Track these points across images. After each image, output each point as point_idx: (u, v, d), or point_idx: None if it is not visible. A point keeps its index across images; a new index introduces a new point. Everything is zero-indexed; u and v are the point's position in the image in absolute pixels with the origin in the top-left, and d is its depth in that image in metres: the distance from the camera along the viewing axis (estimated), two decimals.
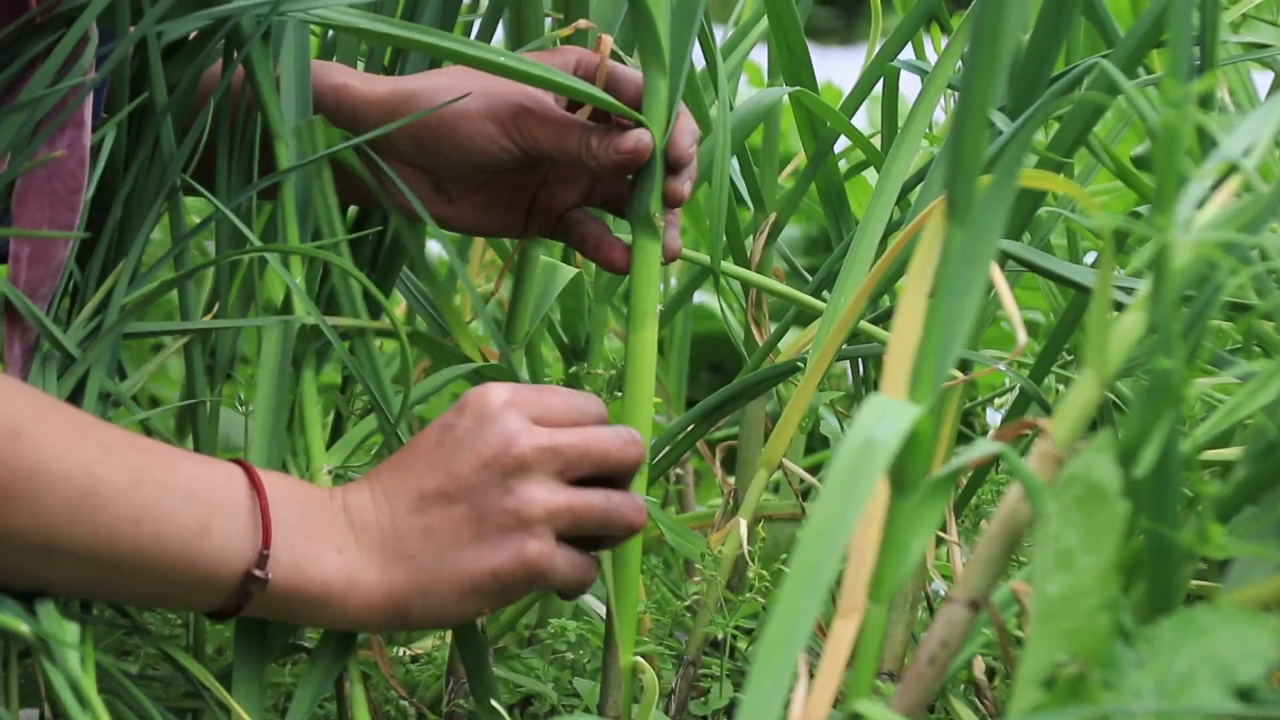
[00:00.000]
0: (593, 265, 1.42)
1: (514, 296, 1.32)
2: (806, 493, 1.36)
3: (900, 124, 1.33)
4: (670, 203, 1.15)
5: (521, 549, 1.04)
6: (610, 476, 1.08)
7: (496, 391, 1.06)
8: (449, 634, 1.32)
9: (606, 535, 1.09)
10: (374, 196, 1.20)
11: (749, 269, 1.38)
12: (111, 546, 0.97)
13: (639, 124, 1.14)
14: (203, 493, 1.00)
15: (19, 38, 1.05)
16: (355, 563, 1.04)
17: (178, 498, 0.99)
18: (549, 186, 1.22)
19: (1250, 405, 0.82)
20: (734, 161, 1.39)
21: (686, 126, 1.16)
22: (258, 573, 1.01)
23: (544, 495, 1.05)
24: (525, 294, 1.32)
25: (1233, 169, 0.84)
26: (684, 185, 1.16)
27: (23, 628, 0.96)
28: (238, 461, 1.04)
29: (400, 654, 1.39)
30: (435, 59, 1.22)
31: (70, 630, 0.97)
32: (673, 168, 1.15)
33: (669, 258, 1.16)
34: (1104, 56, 1.21)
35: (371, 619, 1.05)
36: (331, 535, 1.04)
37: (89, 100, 1.07)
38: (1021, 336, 0.88)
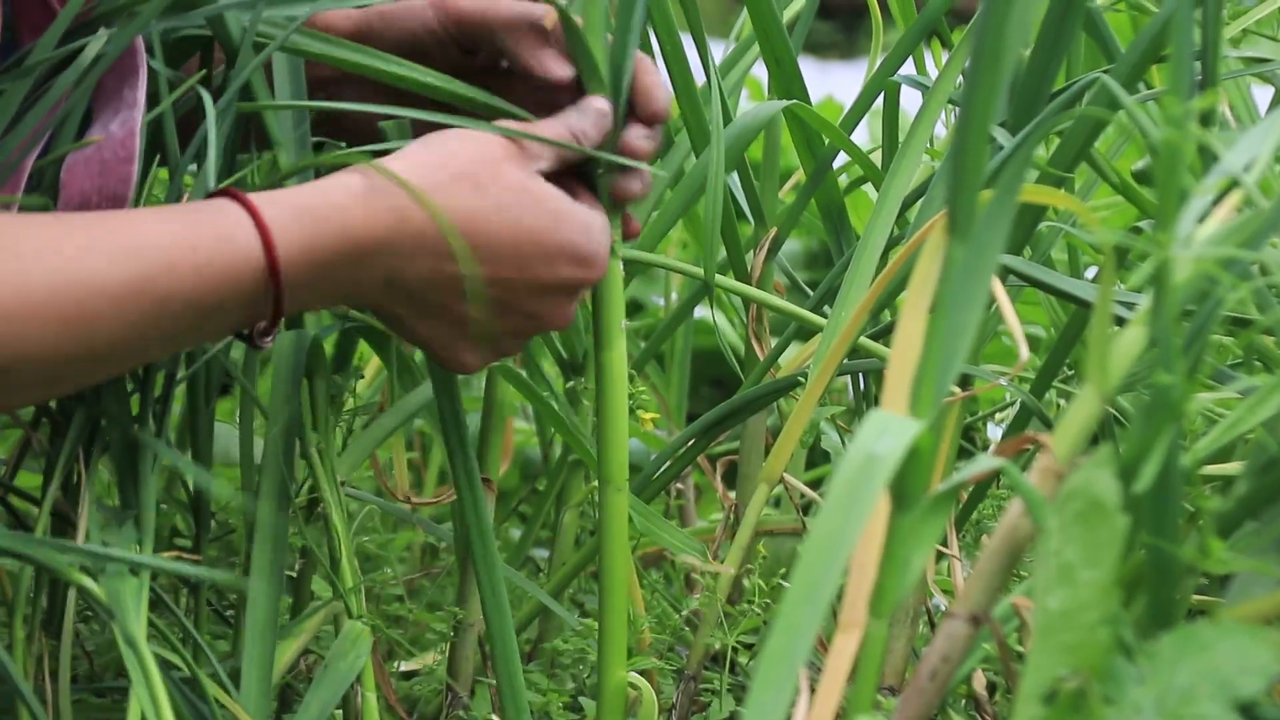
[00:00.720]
0: None
1: None
2: (807, 507, 1.36)
3: (901, 139, 1.33)
4: (616, 199, 1.13)
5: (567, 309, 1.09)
6: None
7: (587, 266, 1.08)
8: (447, 648, 1.32)
9: None
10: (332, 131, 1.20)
11: (750, 284, 1.38)
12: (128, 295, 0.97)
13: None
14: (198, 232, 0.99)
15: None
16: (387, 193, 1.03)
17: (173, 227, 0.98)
18: (502, 86, 1.18)
19: (1250, 420, 0.82)
20: (734, 176, 1.39)
21: (638, 133, 1.13)
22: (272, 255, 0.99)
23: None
24: None
25: (1233, 184, 0.84)
26: (631, 184, 1.13)
27: (87, 582, 0.96)
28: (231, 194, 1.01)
29: (397, 667, 1.39)
30: None
31: (133, 586, 0.97)
32: (624, 167, 1.13)
33: (629, 237, 1.15)
34: (1105, 72, 1.21)
35: (399, 285, 1.05)
36: (367, 270, 1.03)
37: (143, 81, 1.08)
38: (1024, 351, 0.88)
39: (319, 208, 1.01)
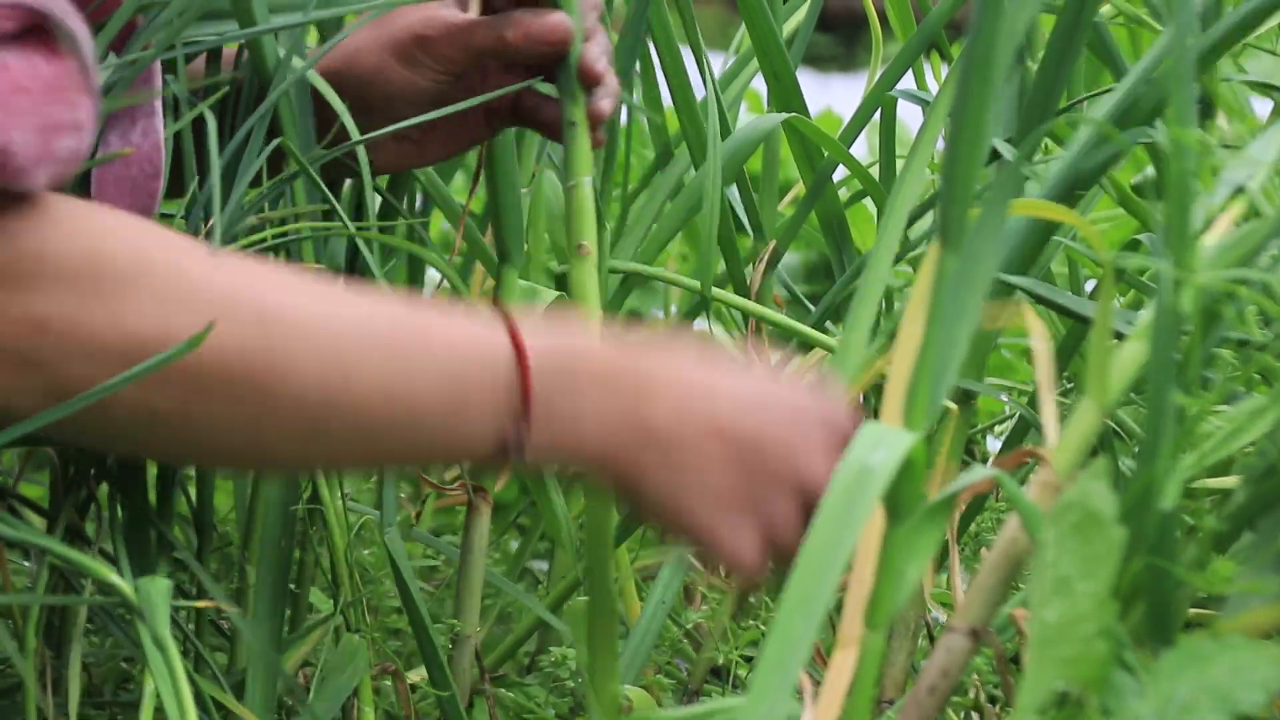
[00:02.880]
0: None
1: None
2: None
3: (899, 152, 1.33)
4: (593, 123, 1.12)
5: (744, 540, 0.97)
6: None
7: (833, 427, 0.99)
8: (446, 661, 1.32)
9: None
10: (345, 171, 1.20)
11: (749, 297, 1.38)
12: (370, 422, 0.94)
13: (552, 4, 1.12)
14: (457, 358, 0.95)
15: None
16: (615, 442, 0.97)
17: (432, 366, 0.95)
18: (491, 84, 1.18)
19: (1249, 433, 0.82)
20: (733, 188, 1.39)
21: (598, 40, 1.13)
22: (514, 434, 0.96)
23: (796, 531, 0.97)
24: None
25: (1235, 195, 0.84)
26: (601, 103, 1.13)
27: (115, 579, 0.96)
28: (506, 318, 0.98)
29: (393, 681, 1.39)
30: None
31: (163, 586, 0.96)
32: (587, 85, 1.12)
33: (597, 121, 1.13)
34: (1111, 90, 1.21)
35: (618, 452, 0.98)
36: (600, 412, 0.97)
37: (159, 84, 1.08)
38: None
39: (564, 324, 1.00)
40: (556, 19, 1.12)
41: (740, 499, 0.97)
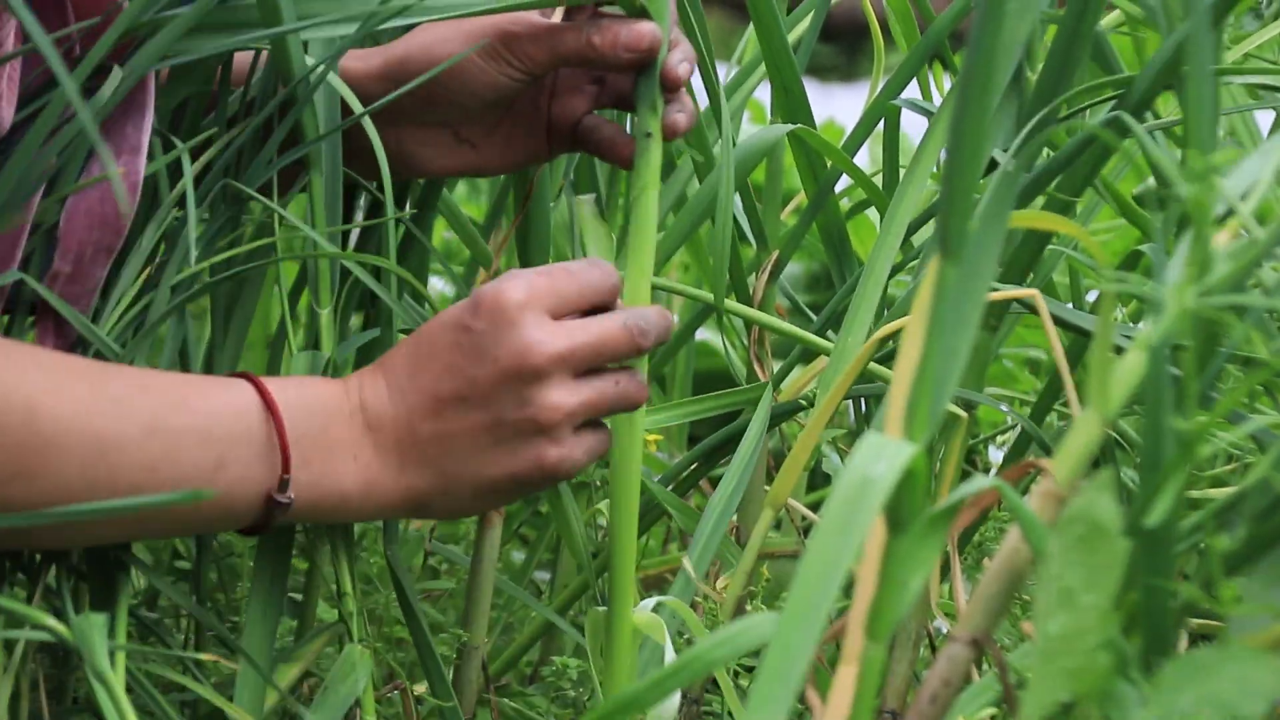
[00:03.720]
0: None
1: None
2: (808, 530, 1.36)
3: (901, 162, 1.33)
4: (666, 84, 1.14)
5: (540, 454, 1.06)
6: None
7: (511, 291, 1.05)
8: (450, 672, 1.32)
9: (615, 413, 1.10)
10: (399, 170, 1.21)
11: (751, 306, 1.38)
12: (135, 495, 0.98)
13: (640, 13, 1.13)
14: (217, 429, 1.01)
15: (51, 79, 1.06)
16: (372, 467, 1.05)
17: (193, 439, 1.00)
18: (559, 101, 1.21)
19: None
20: (737, 198, 1.39)
21: (681, 48, 1.14)
22: (279, 497, 1.03)
23: (561, 398, 1.05)
24: None
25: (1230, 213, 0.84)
26: (677, 116, 1.14)
27: (52, 623, 0.97)
28: (249, 378, 1.04)
29: (397, 691, 1.38)
30: None
31: (99, 621, 0.98)
32: (668, 92, 1.14)
33: (667, 135, 1.15)
34: (1112, 98, 1.21)
35: (391, 513, 1.08)
36: (348, 441, 1.05)
37: (147, 127, 1.08)
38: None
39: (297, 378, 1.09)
40: (646, 27, 1.12)
41: (489, 435, 1.05)
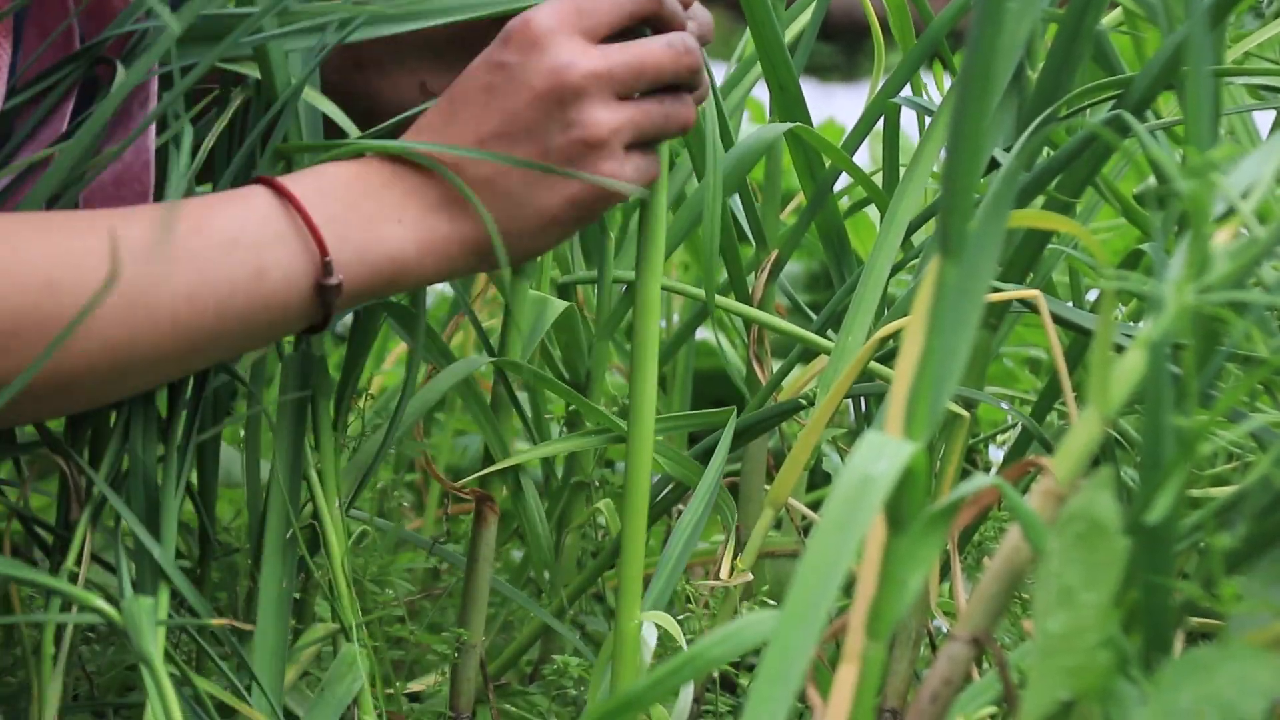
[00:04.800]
0: (593, 299, 1.42)
1: (502, 331, 1.32)
2: (809, 529, 1.36)
3: (901, 161, 1.33)
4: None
5: (594, 172, 1.04)
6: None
7: (539, 16, 1.04)
8: (449, 670, 1.32)
9: (665, 137, 1.09)
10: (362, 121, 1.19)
11: (751, 305, 1.38)
12: (180, 331, 0.98)
13: None
14: (244, 238, 1.00)
15: (56, 65, 1.06)
16: (422, 225, 1.03)
17: (221, 256, 0.99)
18: None
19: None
20: (736, 198, 1.39)
21: (699, 20, 1.13)
22: (326, 281, 1.01)
23: (604, 116, 1.03)
24: (514, 328, 1.32)
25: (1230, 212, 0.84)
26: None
27: (101, 604, 0.96)
28: (261, 180, 1.02)
29: (398, 690, 1.39)
30: None
31: (147, 605, 0.97)
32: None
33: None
34: (1113, 98, 1.22)
35: (457, 270, 1.06)
36: (387, 209, 1.03)
37: (154, 101, 1.08)
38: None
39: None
40: None
41: (544, 162, 1.03)
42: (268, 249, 1.00)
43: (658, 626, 1.14)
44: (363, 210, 1.02)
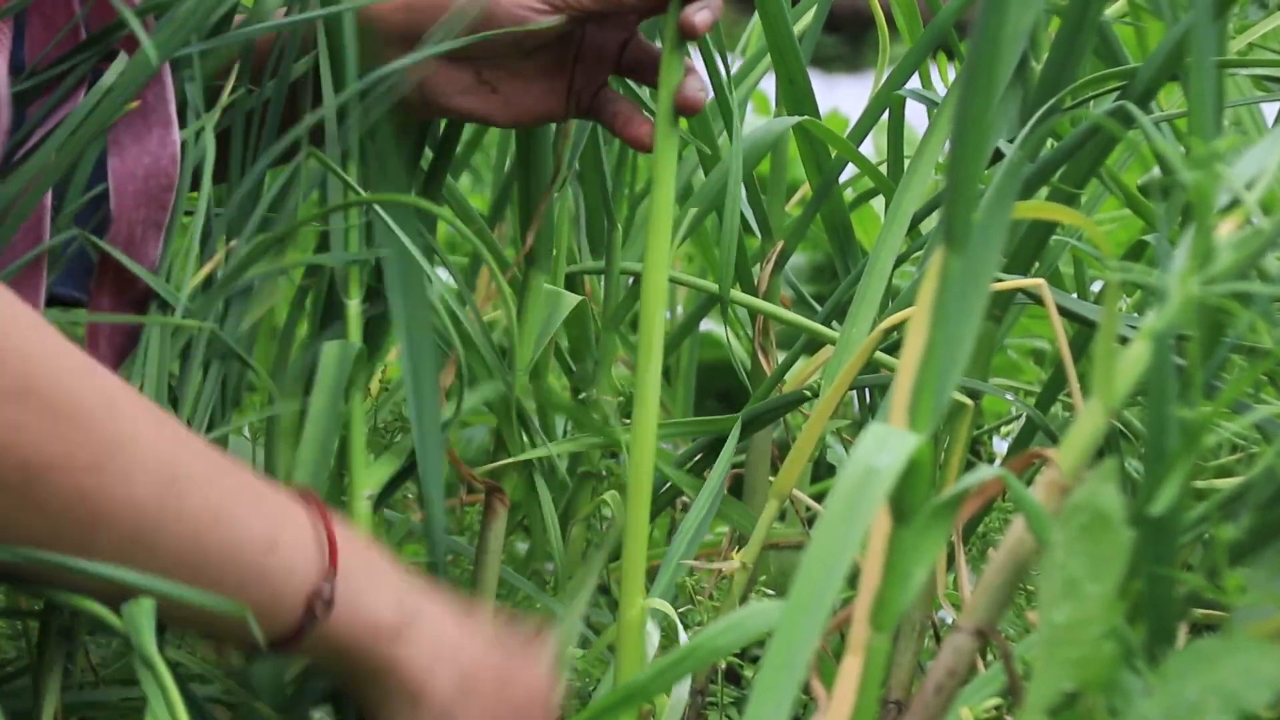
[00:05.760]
0: (600, 293, 1.42)
1: (517, 325, 1.32)
2: (813, 521, 1.36)
3: (906, 152, 1.33)
4: (683, 33, 1.13)
5: None
6: None
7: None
8: None
9: None
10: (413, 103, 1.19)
11: (756, 296, 1.38)
12: (194, 541, 0.94)
13: None
14: (269, 501, 0.98)
15: (65, 54, 1.06)
16: (410, 622, 1.03)
17: (251, 498, 0.97)
18: (584, 63, 1.20)
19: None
20: (741, 190, 1.39)
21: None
22: (325, 586, 0.99)
23: None
24: (528, 322, 1.32)
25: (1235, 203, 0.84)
26: (697, 15, 1.13)
27: (98, 608, 0.96)
28: (303, 495, 1.02)
29: None
30: None
31: (148, 607, 0.97)
32: (683, 39, 1.13)
33: (686, 110, 1.14)
34: (1117, 89, 1.22)
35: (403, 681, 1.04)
36: (393, 592, 1.03)
37: (170, 97, 1.08)
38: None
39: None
40: None
41: None
42: (289, 525, 0.99)
43: (662, 617, 1.14)
44: (377, 576, 1.03)
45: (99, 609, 0.97)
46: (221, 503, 0.95)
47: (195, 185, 1.11)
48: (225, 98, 1.12)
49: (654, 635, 1.14)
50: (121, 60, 1.05)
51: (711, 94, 1.31)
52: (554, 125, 1.30)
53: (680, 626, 1.15)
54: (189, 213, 1.13)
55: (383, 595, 1.02)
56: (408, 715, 1.03)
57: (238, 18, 1.16)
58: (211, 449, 0.97)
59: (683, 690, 1.17)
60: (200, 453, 0.95)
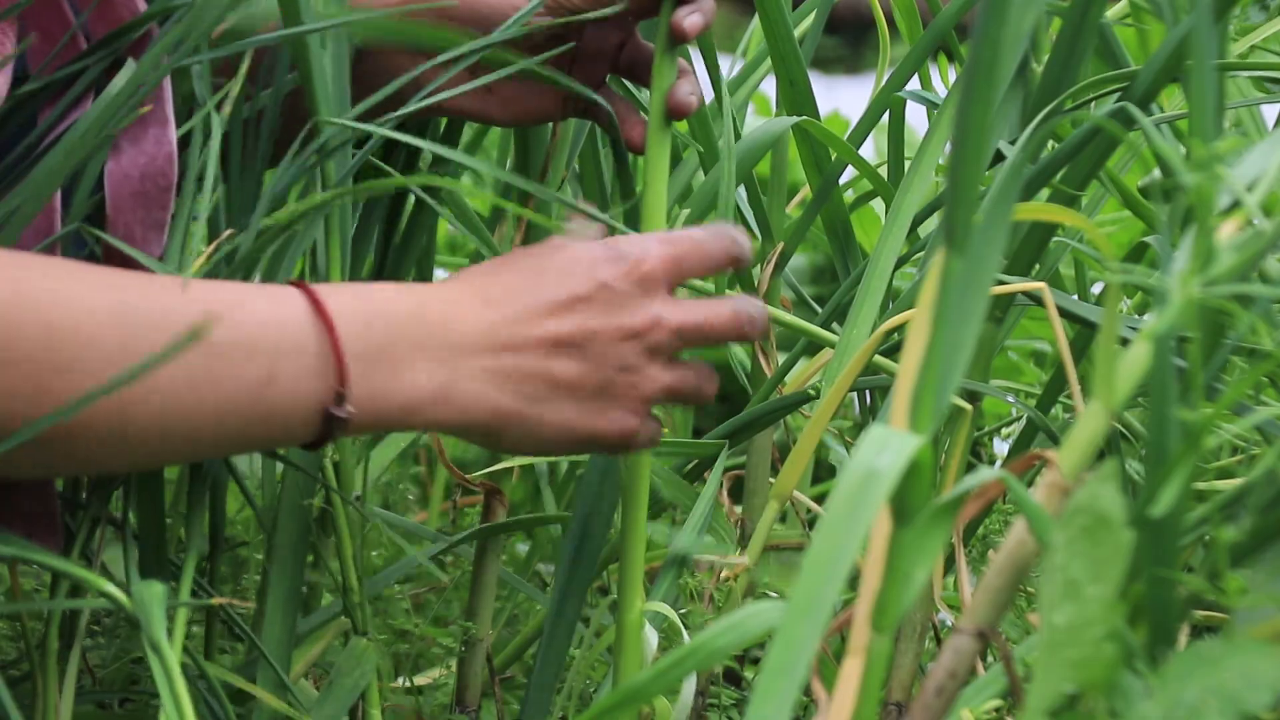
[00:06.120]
0: None
1: None
2: (813, 522, 1.36)
3: (906, 154, 1.33)
4: (673, 37, 1.13)
5: (626, 422, 1.05)
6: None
7: (653, 257, 1.05)
8: (454, 664, 1.32)
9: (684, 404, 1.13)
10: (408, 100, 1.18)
11: (756, 298, 1.38)
12: (171, 416, 0.94)
13: None
14: (263, 342, 0.96)
15: (71, 59, 1.06)
16: (452, 383, 1.01)
17: (236, 353, 0.95)
18: (580, 63, 1.21)
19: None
20: (742, 191, 1.39)
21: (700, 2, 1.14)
22: (336, 411, 0.98)
23: (663, 376, 1.05)
24: None
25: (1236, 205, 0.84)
26: (687, 19, 1.13)
27: (112, 589, 0.96)
28: (300, 286, 0.99)
29: (403, 683, 1.39)
30: None
31: (159, 591, 0.96)
32: (673, 43, 1.14)
33: (677, 113, 1.15)
34: (1117, 91, 1.22)
35: (462, 430, 1.03)
36: (424, 353, 1.00)
37: (167, 98, 1.08)
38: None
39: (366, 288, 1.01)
40: None
41: (590, 390, 1.03)
42: (284, 359, 0.97)
43: (662, 620, 1.14)
44: (396, 352, 1.00)
45: (113, 590, 0.96)
46: (199, 371, 0.95)
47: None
48: (228, 110, 1.12)
49: (653, 637, 1.14)
50: (129, 67, 1.05)
51: (713, 96, 1.32)
52: (551, 126, 1.30)
53: (682, 628, 1.15)
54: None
55: (404, 378, 1.00)
56: (492, 444, 1.05)
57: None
58: (198, 306, 0.95)
59: (689, 692, 1.17)
60: (170, 324, 0.94)
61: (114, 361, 0.92)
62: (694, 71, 1.17)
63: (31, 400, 0.91)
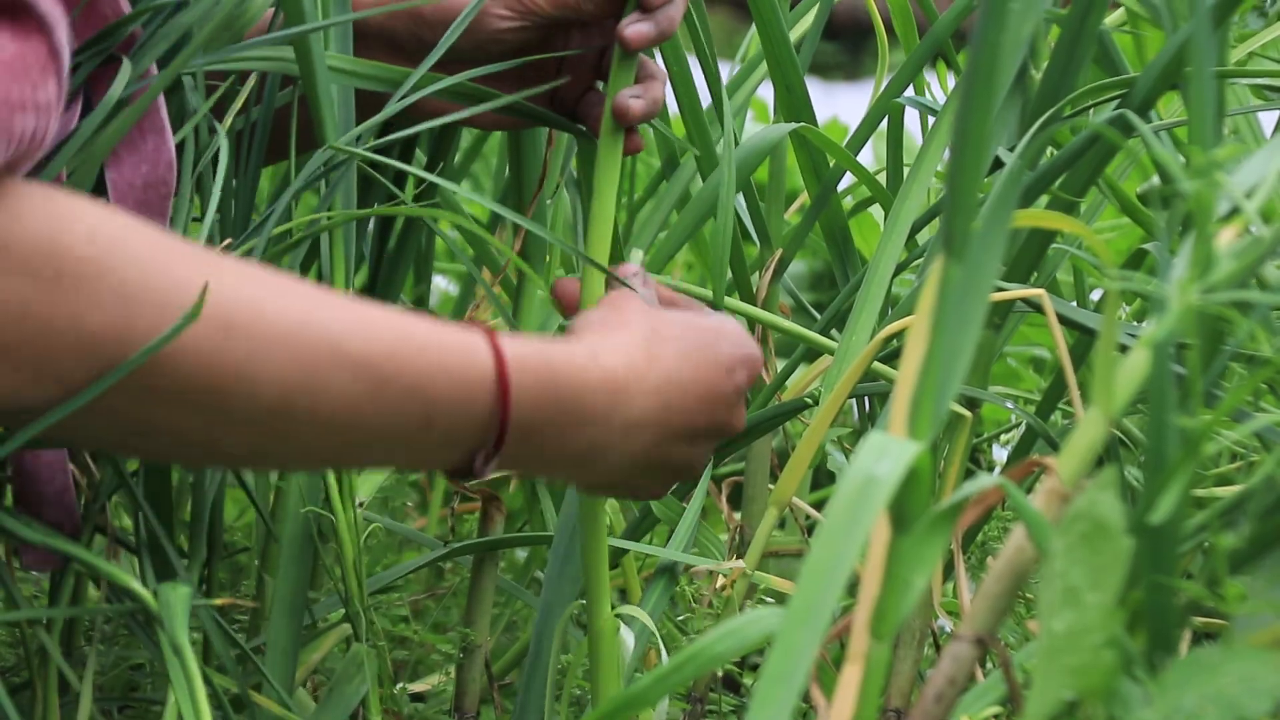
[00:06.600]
0: None
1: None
2: (812, 529, 1.36)
3: (905, 160, 1.33)
4: (625, 45, 1.12)
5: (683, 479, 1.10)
6: None
7: (756, 362, 1.08)
8: (453, 670, 1.32)
9: None
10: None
11: (755, 305, 1.38)
12: (333, 431, 0.93)
13: None
14: (431, 389, 0.95)
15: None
16: (597, 458, 1.02)
17: (403, 391, 0.94)
18: (567, 68, 1.20)
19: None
20: (740, 197, 1.39)
21: (660, 13, 1.12)
22: (480, 468, 0.98)
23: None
24: (523, 328, 1.32)
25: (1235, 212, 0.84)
26: (629, 29, 1.12)
27: (137, 587, 0.96)
28: (486, 334, 0.97)
29: (402, 689, 1.39)
30: None
31: (184, 593, 0.96)
32: (644, 6, 1.12)
33: (618, 119, 1.13)
34: (1116, 98, 1.22)
35: (578, 487, 1.11)
36: (580, 433, 1.00)
37: (163, 104, 1.08)
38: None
39: (552, 348, 1.00)
40: None
41: (664, 471, 1.06)
42: (449, 412, 0.96)
43: (639, 626, 1.14)
44: (557, 423, 0.99)
45: (137, 587, 0.96)
46: (360, 399, 0.93)
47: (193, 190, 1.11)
48: (229, 120, 1.12)
49: (629, 642, 1.14)
50: (127, 69, 1.05)
51: (710, 101, 1.31)
52: (545, 132, 1.30)
53: (659, 634, 1.15)
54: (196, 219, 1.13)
55: (553, 447, 1.00)
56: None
57: None
58: (368, 323, 0.94)
59: (662, 711, 1.17)
60: (341, 348, 0.92)
61: (288, 377, 0.91)
62: (663, 79, 1.16)
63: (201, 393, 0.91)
